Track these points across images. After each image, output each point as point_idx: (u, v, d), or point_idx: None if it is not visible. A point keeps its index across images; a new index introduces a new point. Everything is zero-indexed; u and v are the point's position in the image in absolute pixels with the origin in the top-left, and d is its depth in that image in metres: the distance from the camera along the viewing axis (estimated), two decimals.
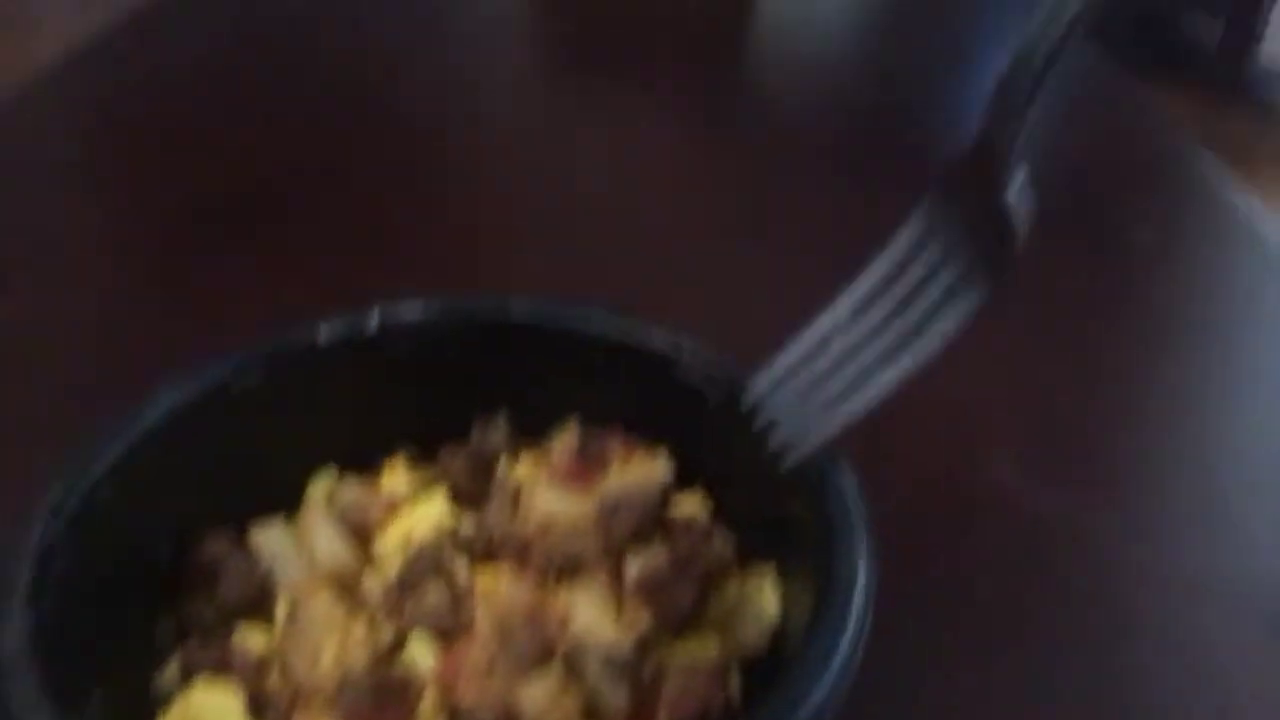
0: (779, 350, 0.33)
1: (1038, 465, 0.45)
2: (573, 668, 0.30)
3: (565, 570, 0.34)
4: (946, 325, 0.31)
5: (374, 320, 0.38)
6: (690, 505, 0.36)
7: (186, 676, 0.30)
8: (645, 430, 0.38)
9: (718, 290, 0.52)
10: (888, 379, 0.31)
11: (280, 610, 0.32)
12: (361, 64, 0.71)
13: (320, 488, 0.37)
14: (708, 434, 0.36)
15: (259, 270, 0.53)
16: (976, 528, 0.43)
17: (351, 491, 0.36)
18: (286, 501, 0.36)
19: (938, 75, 0.73)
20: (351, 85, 0.68)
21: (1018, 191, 0.30)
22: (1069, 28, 0.28)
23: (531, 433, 0.39)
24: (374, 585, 0.33)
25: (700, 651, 0.32)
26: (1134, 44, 1.17)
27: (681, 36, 0.74)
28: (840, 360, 0.32)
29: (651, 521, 0.35)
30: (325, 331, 0.37)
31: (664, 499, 0.36)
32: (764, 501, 0.35)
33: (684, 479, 0.37)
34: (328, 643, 0.31)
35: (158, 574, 0.33)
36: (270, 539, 0.34)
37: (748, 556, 0.35)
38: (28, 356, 0.48)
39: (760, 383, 0.33)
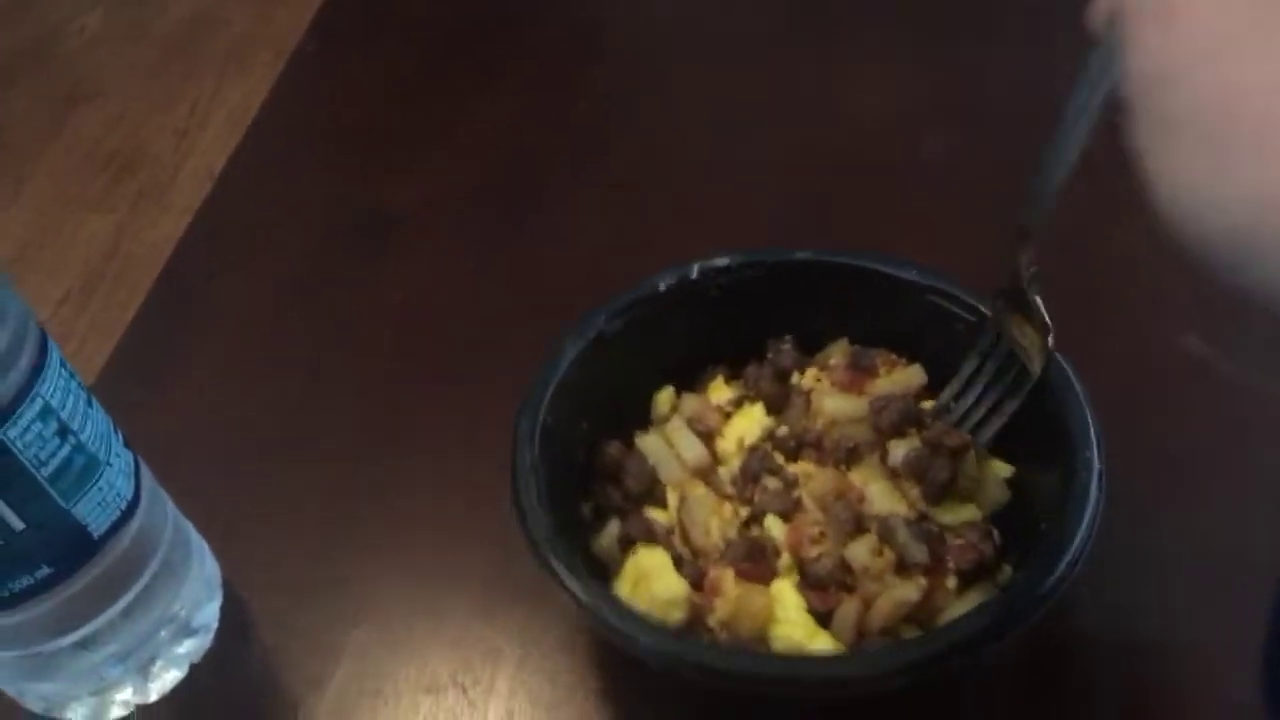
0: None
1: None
2: (885, 534, 0.43)
3: (848, 455, 0.47)
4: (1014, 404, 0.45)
5: (694, 270, 0.50)
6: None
7: (624, 541, 0.44)
8: (903, 347, 0.50)
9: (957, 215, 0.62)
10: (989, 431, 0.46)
11: (671, 498, 0.46)
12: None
13: (664, 402, 0.50)
14: (955, 350, 0.48)
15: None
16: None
17: (693, 404, 0.49)
18: (642, 412, 0.50)
19: None
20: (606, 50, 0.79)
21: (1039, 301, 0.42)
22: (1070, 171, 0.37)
23: (812, 351, 0.51)
24: (725, 476, 0.47)
25: (968, 516, 0.45)
26: None
27: None
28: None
29: (911, 415, 0.47)
30: (662, 281, 0.50)
31: (919, 399, 0.48)
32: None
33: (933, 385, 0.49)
34: (711, 520, 0.44)
35: (578, 470, 0.47)
36: (651, 444, 0.48)
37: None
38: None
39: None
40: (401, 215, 0.68)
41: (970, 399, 0.46)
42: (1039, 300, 0.43)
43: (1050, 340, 0.43)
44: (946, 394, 0.47)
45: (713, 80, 0.75)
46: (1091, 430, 0.42)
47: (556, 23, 0.83)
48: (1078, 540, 0.39)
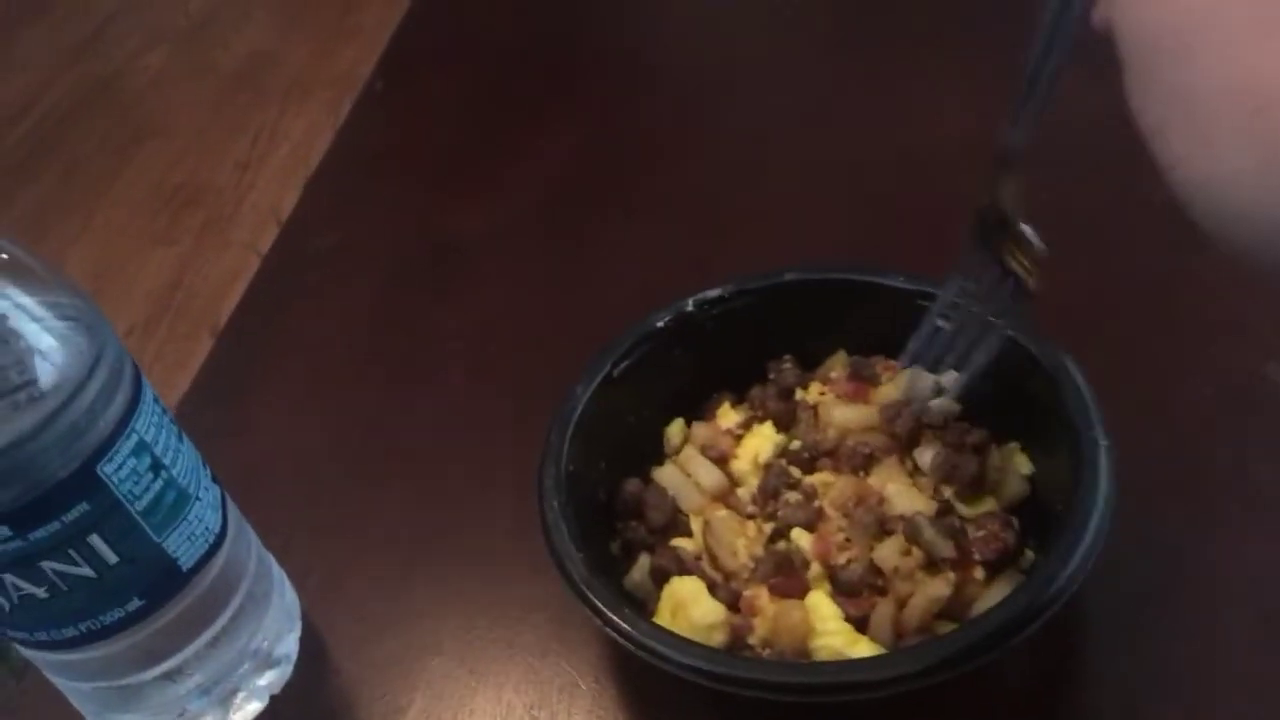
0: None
1: None
2: (911, 533, 0.44)
3: (866, 461, 0.48)
4: (994, 344, 0.45)
5: (689, 304, 0.51)
6: (945, 406, 0.50)
7: (657, 574, 0.45)
8: (898, 353, 0.51)
9: None
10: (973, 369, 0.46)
11: (695, 525, 0.47)
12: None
13: (675, 433, 0.51)
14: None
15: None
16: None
17: (703, 431, 0.50)
18: (656, 448, 0.51)
19: None
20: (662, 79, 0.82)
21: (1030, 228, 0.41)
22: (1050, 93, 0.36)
23: (811, 367, 0.52)
24: (744, 496, 0.48)
25: (986, 508, 0.46)
26: None
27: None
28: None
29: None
30: (660, 319, 0.51)
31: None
32: (1006, 394, 0.48)
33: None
34: (737, 541, 0.45)
35: (600, 509, 0.48)
36: (668, 475, 0.49)
37: (1000, 436, 0.48)
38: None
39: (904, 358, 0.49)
40: (468, 245, 0.70)
41: (955, 324, 0.46)
42: (1027, 228, 0.41)
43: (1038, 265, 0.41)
44: (927, 325, 0.47)
45: (767, 103, 0.77)
46: (1091, 410, 0.43)
47: (611, 50, 0.87)
48: (1096, 515, 0.40)
